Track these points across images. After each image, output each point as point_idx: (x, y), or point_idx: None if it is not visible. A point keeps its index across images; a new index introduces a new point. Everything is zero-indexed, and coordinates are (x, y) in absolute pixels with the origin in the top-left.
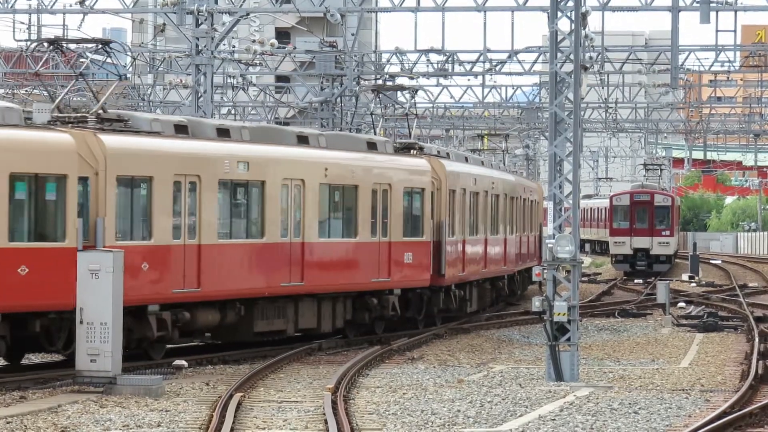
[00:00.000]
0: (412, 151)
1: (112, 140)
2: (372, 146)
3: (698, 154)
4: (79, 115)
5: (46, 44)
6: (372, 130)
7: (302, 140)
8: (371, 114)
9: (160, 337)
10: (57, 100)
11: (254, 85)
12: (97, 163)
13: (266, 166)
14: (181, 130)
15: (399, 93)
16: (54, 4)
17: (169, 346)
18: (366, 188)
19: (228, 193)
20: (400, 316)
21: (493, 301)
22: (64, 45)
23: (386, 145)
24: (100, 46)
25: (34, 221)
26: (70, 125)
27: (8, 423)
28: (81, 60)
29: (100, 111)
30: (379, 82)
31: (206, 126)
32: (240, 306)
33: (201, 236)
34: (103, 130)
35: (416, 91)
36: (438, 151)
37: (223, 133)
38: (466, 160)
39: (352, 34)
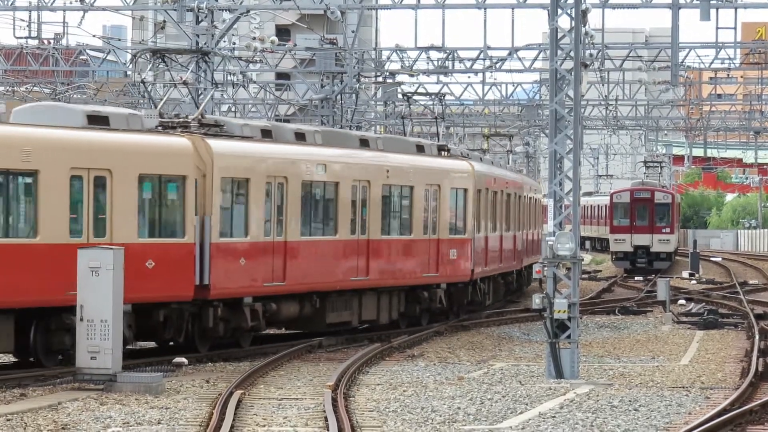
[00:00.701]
0: (442, 152)
1: (217, 144)
2: (420, 149)
3: (698, 152)
4: (181, 120)
5: (149, 55)
6: (372, 128)
7: (363, 143)
8: (402, 118)
9: (251, 327)
10: (159, 106)
11: (254, 82)
12: (205, 166)
13: (340, 169)
14: (266, 134)
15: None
16: (54, 1)
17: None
18: (420, 188)
19: (308, 193)
20: (446, 308)
21: (504, 294)
22: (167, 56)
23: (432, 147)
24: (200, 55)
25: (159, 218)
26: (175, 129)
27: (8, 420)
28: (81, 58)
29: (200, 116)
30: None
31: (286, 130)
32: (316, 299)
33: (287, 233)
34: (208, 135)
35: (444, 94)
36: (461, 153)
37: (300, 137)
38: (480, 160)
39: (353, 32)
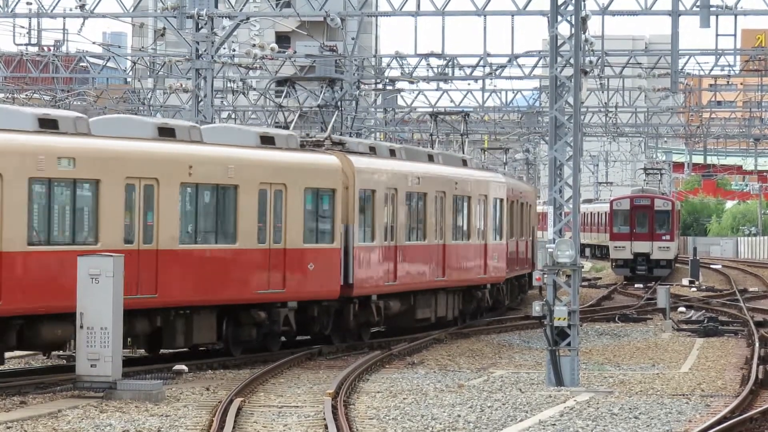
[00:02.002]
0: (466, 163)
1: (357, 160)
2: (464, 162)
3: (698, 159)
4: (315, 139)
5: (280, 83)
6: (372, 135)
7: (429, 158)
8: (430, 135)
9: (374, 321)
10: (291, 126)
11: (254, 89)
12: (347, 179)
13: (427, 181)
14: (372, 150)
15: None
16: (54, 8)
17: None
18: (474, 199)
19: (409, 202)
20: (490, 305)
21: (517, 295)
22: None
23: (473, 161)
24: (327, 83)
25: (316, 226)
26: (319, 147)
27: (8, 428)
28: (81, 65)
29: (329, 136)
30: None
31: (383, 147)
32: (412, 297)
33: (398, 238)
34: (350, 152)
35: (468, 113)
36: (485, 166)
37: (392, 154)
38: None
39: (352, 38)
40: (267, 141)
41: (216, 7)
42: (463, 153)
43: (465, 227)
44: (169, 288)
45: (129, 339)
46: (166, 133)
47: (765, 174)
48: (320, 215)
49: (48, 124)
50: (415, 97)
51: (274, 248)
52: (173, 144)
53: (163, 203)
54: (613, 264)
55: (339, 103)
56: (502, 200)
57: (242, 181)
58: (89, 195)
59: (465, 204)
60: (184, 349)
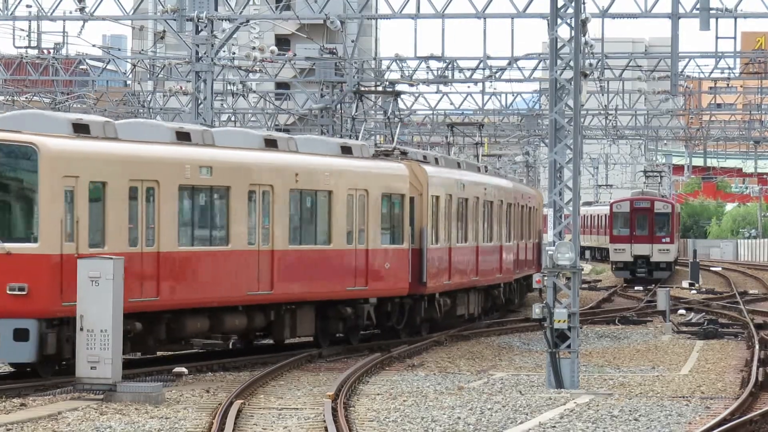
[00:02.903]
0: (480, 170)
1: (429, 169)
2: (478, 169)
3: (698, 161)
4: (384, 149)
5: (352, 94)
6: (372, 138)
7: (478, 169)
8: (448, 144)
9: (437, 317)
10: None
11: (254, 92)
12: (421, 186)
13: (471, 188)
14: (424, 159)
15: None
16: (54, 10)
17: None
18: (496, 203)
19: (458, 207)
20: (504, 303)
21: (522, 295)
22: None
23: (501, 171)
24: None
25: (391, 228)
26: (389, 156)
27: (8, 430)
28: (81, 68)
29: (396, 146)
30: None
31: (449, 160)
32: (460, 294)
33: (451, 240)
34: (422, 161)
35: (483, 124)
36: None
37: (451, 164)
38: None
39: (352, 41)
40: (346, 150)
41: (216, 9)
42: (478, 161)
43: (489, 230)
44: (282, 285)
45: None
46: (271, 143)
47: (765, 176)
48: (393, 218)
49: (183, 136)
50: (415, 100)
51: (359, 249)
52: (280, 154)
53: (277, 207)
54: (613, 266)
55: (395, 114)
56: (510, 204)
57: (336, 187)
58: (222, 201)
59: (491, 208)
60: (183, 352)
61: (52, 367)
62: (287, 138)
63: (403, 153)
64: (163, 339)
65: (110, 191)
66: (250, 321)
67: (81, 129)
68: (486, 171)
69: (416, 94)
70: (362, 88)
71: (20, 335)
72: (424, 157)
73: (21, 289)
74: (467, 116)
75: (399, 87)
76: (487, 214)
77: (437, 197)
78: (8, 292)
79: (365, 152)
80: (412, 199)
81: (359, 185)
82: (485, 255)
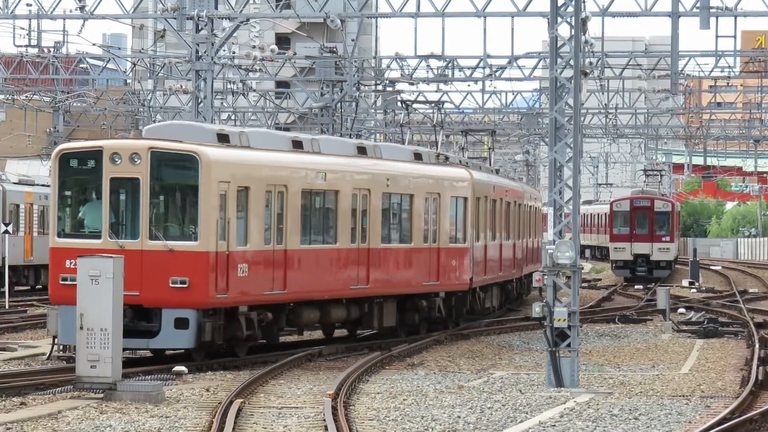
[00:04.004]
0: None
1: (475, 174)
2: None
3: (698, 160)
4: (441, 154)
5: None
6: (372, 137)
7: (496, 172)
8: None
9: (478, 309)
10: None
11: (254, 90)
12: (471, 190)
13: (499, 191)
14: (466, 164)
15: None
16: (54, 9)
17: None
18: (521, 205)
19: (491, 207)
20: (517, 296)
21: (528, 290)
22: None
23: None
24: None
25: (455, 228)
26: (447, 161)
27: (8, 429)
28: (81, 66)
29: (439, 152)
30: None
31: (484, 166)
32: (489, 288)
33: (486, 239)
34: (469, 166)
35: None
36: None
37: (485, 169)
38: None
39: (352, 40)
40: (417, 157)
41: (216, 8)
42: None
43: (507, 229)
44: (375, 280)
45: (337, 324)
46: (362, 150)
47: (765, 175)
48: (458, 219)
49: (297, 145)
50: (415, 98)
51: (432, 247)
52: (372, 160)
53: (372, 209)
54: (613, 265)
55: (440, 123)
56: (519, 204)
57: (415, 190)
58: (332, 203)
59: (508, 209)
60: (182, 350)
61: (203, 352)
62: (373, 145)
63: (446, 158)
64: (283, 327)
65: (252, 195)
66: (349, 313)
67: (223, 138)
68: (498, 173)
69: (416, 93)
70: (402, 96)
71: (181, 324)
72: (466, 162)
73: (182, 282)
74: (467, 115)
75: (399, 86)
76: (505, 214)
77: (478, 199)
78: (171, 285)
79: (432, 158)
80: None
81: (433, 189)
82: (506, 252)
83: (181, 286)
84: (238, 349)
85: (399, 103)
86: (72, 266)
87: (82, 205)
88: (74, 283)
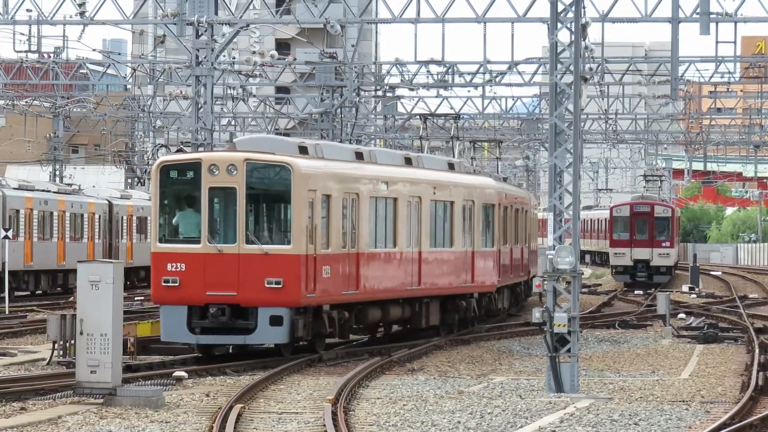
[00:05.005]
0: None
1: (497, 185)
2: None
3: (698, 165)
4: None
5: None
6: (372, 142)
7: (502, 179)
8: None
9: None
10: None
11: (254, 96)
12: (497, 197)
13: (510, 198)
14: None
15: (398, 103)
16: (54, 14)
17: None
18: (521, 210)
19: (506, 213)
20: (524, 298)
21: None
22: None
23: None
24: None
25: (484, 234)
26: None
27: None
28: (81, 72)
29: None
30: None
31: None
32: (502, 290)
33: (501, 243)
34: (492, 176)
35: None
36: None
37: (498, 178)
38: (506, 180)
39: (352, 45)
40: (451, 166)
41: (216, 14)
42: (498, 172)
43: (515, 234)
44: (425, 282)
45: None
46: (408, 161)
47: (765, 181)
48: (487, 225)
49: (359, 156)
50: (415, 104)
51: (468, 251)
52: (417, 170)
53: (423, 216)
54: (613, 270)
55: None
56: (520, 210)
57: (455, 198)
58: (392, 210)
59: (516, 215)
60: (187, 356)
61: (291, 347)
62: (417, 156)
63: (449, 166)
64: (352, 326)
65: (332, 202)
66: (403, 312)
67: (303, 150)
68: (506, 181)
69: (416, 98)
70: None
71: (275, 321)
72: (489, 173)
73: (277, 283)
74: (467, 120)
75: (399, 91)
76: (515, 220)
77: (493, 206)
78: (266, 285)
79: (463, 168)
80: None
81: (469, 196)
82: (515, 255)
83: (275, 286)
84: (318, 344)
85: (418, 117)
86: (173, 269)
87: (181, 213)
88: (176, 285)
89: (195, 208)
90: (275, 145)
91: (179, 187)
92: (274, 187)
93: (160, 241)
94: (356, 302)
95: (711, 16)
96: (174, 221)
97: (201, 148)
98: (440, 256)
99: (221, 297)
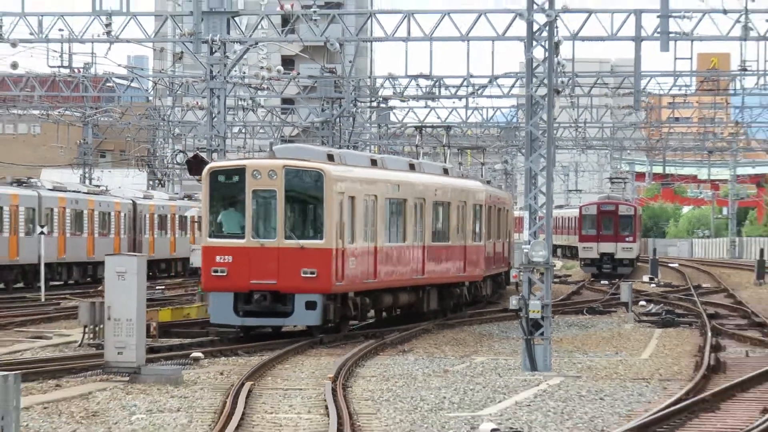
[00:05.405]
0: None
1: (484, 188)
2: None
3: (658, 169)
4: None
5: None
6: (367, 148)
7: (486, 182)
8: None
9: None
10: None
11: (262, 106)
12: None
13: (493, 199)
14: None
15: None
16: (83, 34)
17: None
18: (502, 210)
19: (491, 211)
20: (504, 286)
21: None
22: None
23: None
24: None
25: (474, 229)
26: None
27: (45, 408)
28: (108, 85)
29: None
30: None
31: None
32: (497, 278)
33: (485, 238)
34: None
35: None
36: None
37: (482, 181)
38: (489, 183)
39: (350, 61)
40: (445, 171)
41: (228, 33)
42: (482, 176)
43: (498, 229)
44: (428, 271)
45: (398, 308)
46: (412, 167)
47: (717, 183)
48: (476, 221)
49: (374, 162)
50: (406, 114)
51: (460, 245)
52: (420, 174)
53: (426, 214)
54: (582, 263)
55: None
56: (501, 209)
57: (451, 199)
58: (402, 209)
59: (498, 213)
60: (203, 339)
61: (321, 329)
62: (418, 162)
63: (444, 171)
64: (369, 310)
65: (356, 203)
66: (409, 298)
67: (330, 158)
68: (489, 183)
69: (406, 109)
70: (422, 124)
71: (310, 306)
72: (468, 175)
73: (312, 273)
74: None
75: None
76: (497, 218)
77: (480, 206)
78: (302, 275)
79: (455, 173)
80: (482, 207)
81: (462, 198)
82: (494, 250)
83: (310, 275)
84: (342, 326)
85: (414, 129)
86: (221, 261)
87: (227, 212)
88: (224, 274)
89: (239, 208)
90: (308, 153)
91: (226, 190)
92: (309, 190)
93: (210, 236)
94: (374, 290)
95: (670, 35)
96: (227, 218)
97: (215, 154)
98: (440, 250)
99: (263, 285)
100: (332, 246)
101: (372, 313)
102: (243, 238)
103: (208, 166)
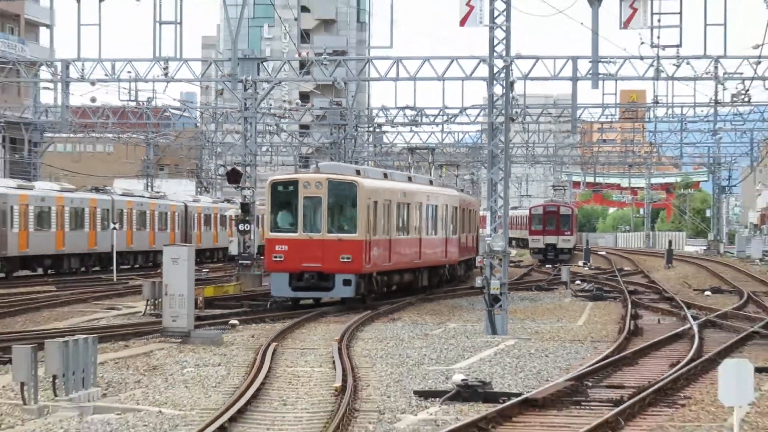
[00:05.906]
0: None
1: (459, 194)
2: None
3: (590, 179)
4: (428, 178)
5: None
6: (365, 163)
7: (462, 190)
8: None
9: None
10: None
11: (284, 131)
12: (459, 202)
13: (466, 203)
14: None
15: (383, 136)
16: (147, 74)
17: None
18: (469, 210)
19: (463, 212)
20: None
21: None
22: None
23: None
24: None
25: (453, 226)
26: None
27: (116, 363)
28: (165, 114)
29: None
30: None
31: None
32: (469, 261)
33: (458, 232)
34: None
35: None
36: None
37: (456, 188)
38: (462, 191)
39: (352, 96)
40: (431, 182)
41: (258, 74)
42: (456, 184)
43: (468, 226)
44: (424, 257)
45: (397, 285)
46: (410, 179)
47: (636, 189)
48: (452, 220)
49: (386, 176)
50: (395, 137)
51: (444, 237)
52: (416, 184)
53: (422, 214)
54: (531, 251)
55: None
56: (470, 210)
57: (438, 202)
58: (407, 211)
59: (469, 214)
60: (239, 310)
61: (353, 300)
62: (413, 175)
63: (430, 182)
64: (385, 287)
65: (379, 206)
66: (410, 277)
67: (357, 172)
68: (462, 191)
69: (396, 133)
70: (412, 146)
71: (346, 283)
72: (446, 184)
73: (348, 258)
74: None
75: (384, 128)
76: (468, 217)
77: (456, 208)
78: (340, 260)
79: (438, 183)
80: (456, 209)
81: (444, 201)
82: (466, 241)
83: (347, 260)
84: (368, 299)
85: (407, 151)
86: (279, 249)
87: (285, 212)
88: (281, 259)
89: (293, 210)
90: (343, 168)
91: (283, 196)
92: (346, 196)
93: (271, 231)
94: (388, 271)
95: (599, 75)
96: (284, 218)
97: (248, 167)
98: (431, 241)
99: (311, 267)
100: (363, 238)
101: (384, 289)
102: (296, 232)
103: (270, 179)
